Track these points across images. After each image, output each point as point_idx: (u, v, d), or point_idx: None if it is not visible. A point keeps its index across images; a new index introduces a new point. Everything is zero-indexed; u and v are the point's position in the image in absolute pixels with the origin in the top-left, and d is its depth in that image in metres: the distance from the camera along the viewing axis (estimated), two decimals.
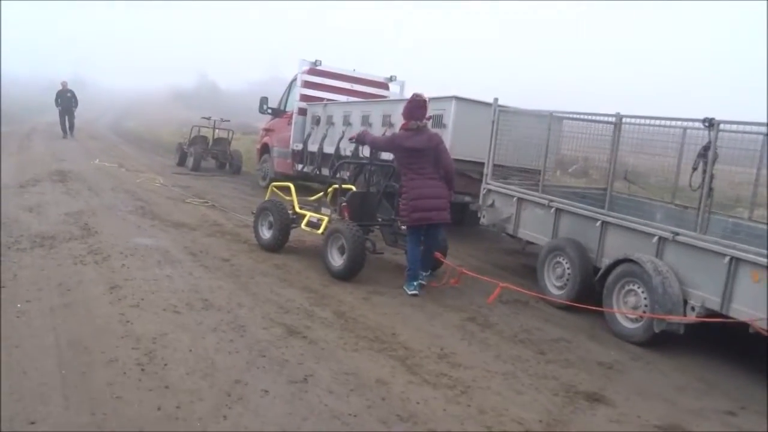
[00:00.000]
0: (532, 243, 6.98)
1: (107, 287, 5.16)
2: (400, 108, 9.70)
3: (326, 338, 4.47)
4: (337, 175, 7.40)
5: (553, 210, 6.32)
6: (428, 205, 6.03)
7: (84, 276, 5.45)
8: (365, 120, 10.48)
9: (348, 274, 6.09)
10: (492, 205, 7.33)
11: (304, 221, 6.86)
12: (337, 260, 6.23)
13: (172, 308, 4.76)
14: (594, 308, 5.34)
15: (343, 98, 12.79)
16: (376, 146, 6.83)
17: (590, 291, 5.71)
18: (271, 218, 7.14)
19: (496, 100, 7.48)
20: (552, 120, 7.90)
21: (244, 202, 11.18)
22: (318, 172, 11.64)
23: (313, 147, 11.91)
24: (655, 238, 5.13)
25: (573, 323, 5.48)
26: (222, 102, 54.63)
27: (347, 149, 10.72)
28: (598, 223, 5.73)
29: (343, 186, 7.05)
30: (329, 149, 11.33)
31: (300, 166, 12.37)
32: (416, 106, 6.21)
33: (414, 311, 5.40)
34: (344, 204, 6.56)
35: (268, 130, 14.27)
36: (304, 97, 12.71)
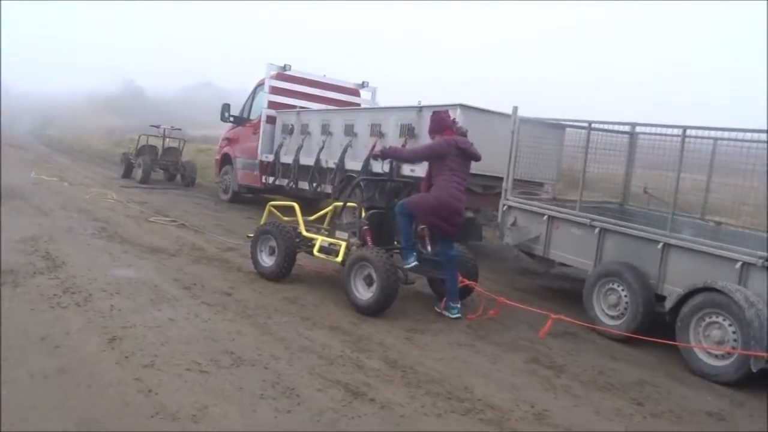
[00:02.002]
0: (564, 265, 6.42)
1: (104, 339, 4.18)
2: (391, 116, 9.09)
3: (396, 399, 3.69)
4: (351, 195, 6.51)
5: (597, 230, 5.76)
6: (450, 217, 5.53)
7: (69, 324, 4.43)
8: (349, 129, 9.70)
9: (378, 309, 5.31)
10: (515, 224, 6.71)
11: (316, 247, 6.01)
12: (363, 293, 5.44)
13: (196, 367, 3.85)
14: (669, 342, 4.79)
15: (313, 105, 11.96)
16: (418, 157, 5.97)
17: (652, 321, 5.17)
18: (272, 243, 6.26)
19: (516, 108, 6.90)
20: (561, 131, 7.45)
21: (214, 220, 10.17)
22: (294, 186, 10.74)
23: (286, 158, 11.01)
24: (738, 264, 4.63)
25: (643, 360, 4.91)
26: (149, 108, 52.18)
27: (329, 161, 9.90)
28: (660, 246, 5.19)
29: (349, 204, 6.28)
30: (307, 161, 10.46)
31: (271, 179, 11.42)
32: (444, 117, 5.82)
33: (468, 353, 4.68)
34: (366, 227, 5.77)
35: (229, 140, 13.21)
36: (272, 104, 11.79)
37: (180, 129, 16.30)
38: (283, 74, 11.87)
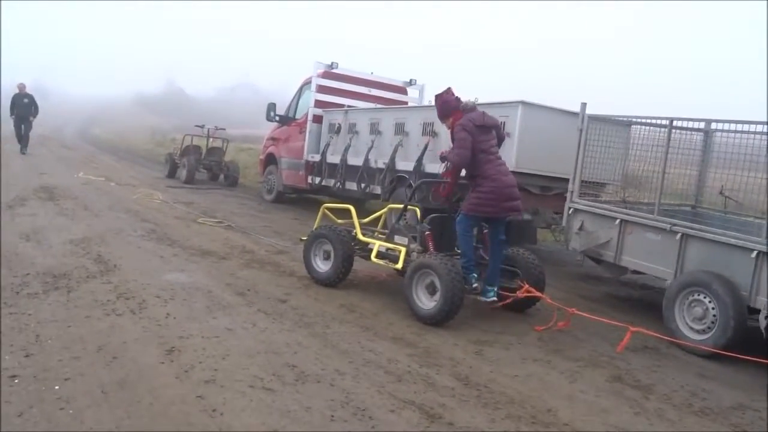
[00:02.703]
0: (638, 272, 6.01)
1: (162, 351, 3.97)
2: None
3: (476, 423, 3.38)
4: (412, 198, 6.16)
5: (678, 236, 5.34)
6: (511, 194, 5.28)
7: (125, 333, 4.25)
8: (399, 128, 9.42)
9: (442, 319, 5.00)
10: (582, 228, 6.33)
11: (374, 253, 5.74)
12: (425, 302, 5.14)
13: (259, 383, 3.61)
14: (763, 361, 4.37)
15: (360, 104, 11.72)
16: (463, 162, 5.30)
17: (742, 337, 4.75)
18: (328, 247, 6.01)
19: (584, 105, 6.51)
20: (626, 128, 7.01)
21: (261, 221, 10.00)
22: (341, 187, 10.51)
23: (333, 158, 10.78)
24: None
25: (736, 379, 4.50)
26: (190, 108, 52.76)
27: (379, 161, 9.64)
28: (754, 255, 4.76)
29: (409, 208, 5.98)
30: (354, 161, 10.22)
31: (317, 180, 11.21)
32: (448, 99, 5.52)
33: (544, 369, 4.35)
34: (428, 231, 5.47)
35: (274, 139, 13.06)
36: (319, 103, 11.59)
37: (224, 129, 16.23)
38: (330, 72, 11.65)
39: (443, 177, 5.74)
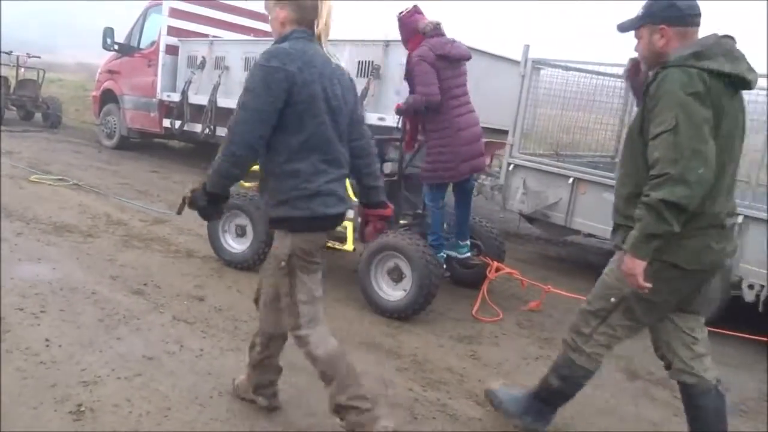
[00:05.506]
0: (592, 236, 5.57)
1: (65, 413, 2.61)
2: (345, 51, 7.47)
3: None
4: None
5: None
6: (477, 150, 4.47)
7: None
8: None
9: (413, 313, 4.10)
10: (525, 187, 5.69)
11: None
12: (389, 292, 4.18)
13: None
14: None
15: (223, 34, 9.99)
16: (434, 98, 4.23)
17: (728, 310, 4.47)
18: (242, 221, 4.76)
19: (527, 48, 5.74)
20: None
21: (112, 176, 8.19)
22: (212, 133, 8.89)
23: (198, 99, 9.08)
24: None
25: (730, 357, 4.19)
26: None
27: None
28: (740, 220, 4.41)
29: None
30: (227, 103, 8.65)
31: (176, 123, 9.43)
32: (408, 21, 4.43)
33: None
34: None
35: (112, 72, 10.83)
36: (173, 31, 9.67)
37: (39, 57, 13.29)
38: None
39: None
